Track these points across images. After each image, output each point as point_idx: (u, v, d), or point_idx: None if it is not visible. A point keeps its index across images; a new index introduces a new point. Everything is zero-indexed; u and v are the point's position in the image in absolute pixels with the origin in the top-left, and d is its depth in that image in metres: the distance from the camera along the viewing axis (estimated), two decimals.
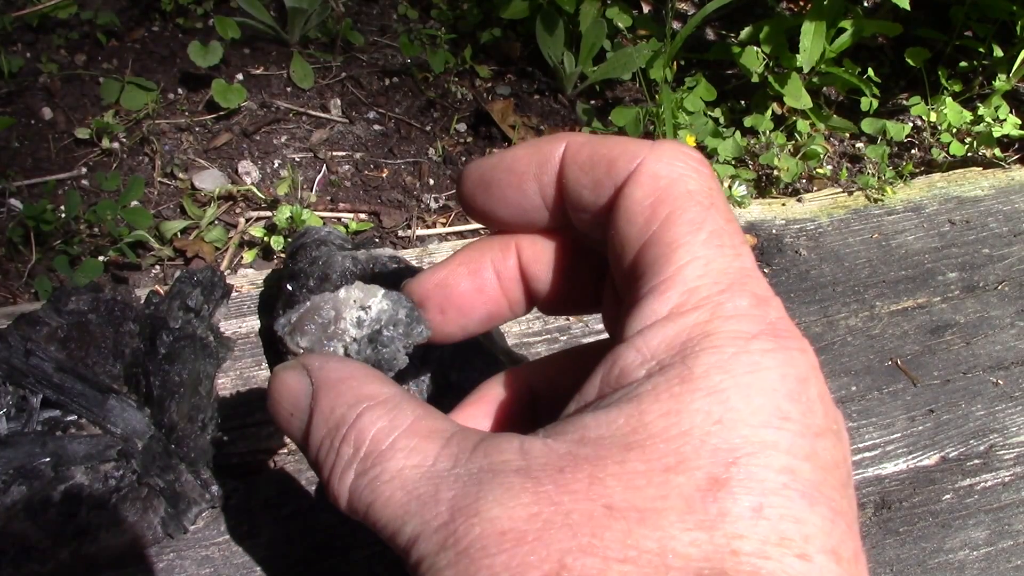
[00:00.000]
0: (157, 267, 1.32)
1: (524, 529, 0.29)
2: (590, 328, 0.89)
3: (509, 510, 0.29)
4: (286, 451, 0.75)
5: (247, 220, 1.39)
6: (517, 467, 0.31)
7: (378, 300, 0.41)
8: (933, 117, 1.61)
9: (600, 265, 0.42)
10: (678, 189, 0.35)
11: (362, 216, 1.42)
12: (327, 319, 0.41)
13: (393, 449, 0.33)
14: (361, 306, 0.41)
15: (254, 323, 0.83)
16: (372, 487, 0.33)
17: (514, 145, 0.41)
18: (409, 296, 0.43)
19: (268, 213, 1.38)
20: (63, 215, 1.28)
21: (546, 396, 0.44)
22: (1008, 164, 1.51)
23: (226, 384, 0.78)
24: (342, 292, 0.42)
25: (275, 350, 0.45)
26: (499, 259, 0.42)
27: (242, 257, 1.35)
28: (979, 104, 1.62)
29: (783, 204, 1.08)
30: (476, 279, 0.42)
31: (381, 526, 0.33)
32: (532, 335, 0.88)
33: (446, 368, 0.69)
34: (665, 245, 0.34)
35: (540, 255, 0.42)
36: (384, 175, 1.48)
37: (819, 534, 0.29)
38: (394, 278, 0.48)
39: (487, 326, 0.44)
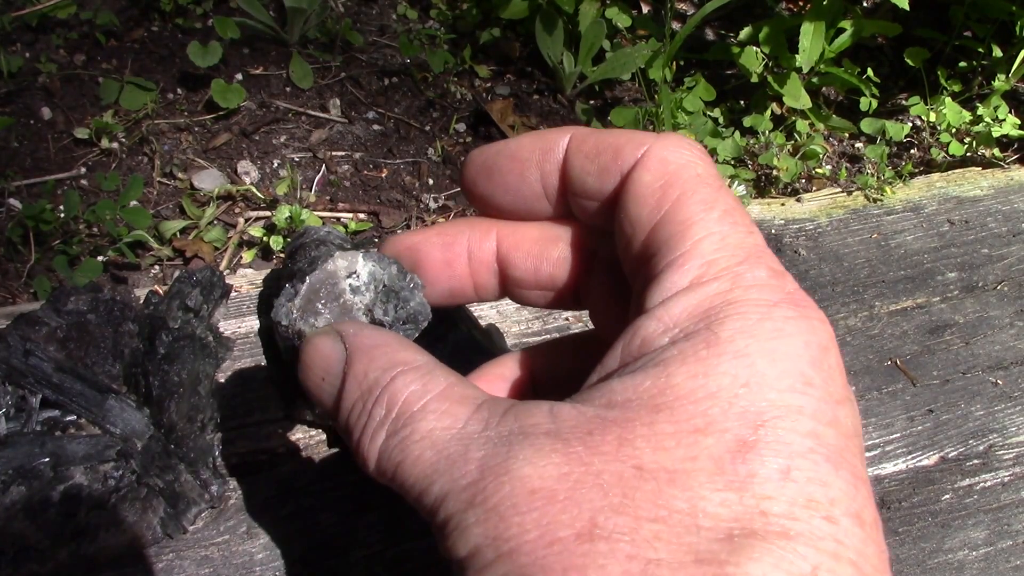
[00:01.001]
0: (156, 267, 1.32)
1: (555, 488, 0.29)
2: (590, 327, 0.89)
3: (540, 469, 0.30)
4: (285, 451, 0.75)
5: (246, 220, 1.39)
6: (547, 429, 0.31)
7: (361, 263, 0.41)
8: (932, 117, 1.61)
9: (587, 260, 0.42)
10: (688, 173, 0.36)
11: (361, 216, 1.42)
12: (337, 292, 0.41)
13: (424, 411, 0.34)
14: (348, 274, 0.41)
15: (253, 323, 0.82)
16: (402, 447, 0.33)
17: (519, 135, 0.41)
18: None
19: (267, 213, 1.38)
20: (62, 215, 1.28)
21: (545, 380, 0.45)
22: (1007, 164, 1.51)
23: (225, 384, 0.78)
24: (329, 265, 0.41)
25: (274, 349, 0.44)
26: (476, 240, 0.42)
27: (241, 257, 1.35)
28: (978, 104, 1.62)
29: (782, 204, 1.08)
30: (447, 252, 0.43)
31: (409, 486, 0.33)
32: (532, 335, 0.88)
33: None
34: (679, 223, 0.35)
35: (520, 244, 0.42)
36: (383, 175, 1.48)
37: (844, 498, 0.29)
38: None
39: (447, 301, 0.44)
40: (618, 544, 0.28)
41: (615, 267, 0.40)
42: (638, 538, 0.28)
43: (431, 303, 0.42)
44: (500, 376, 0.44)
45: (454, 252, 0.42)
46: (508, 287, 0.44)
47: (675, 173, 0.36)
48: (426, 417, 0.34)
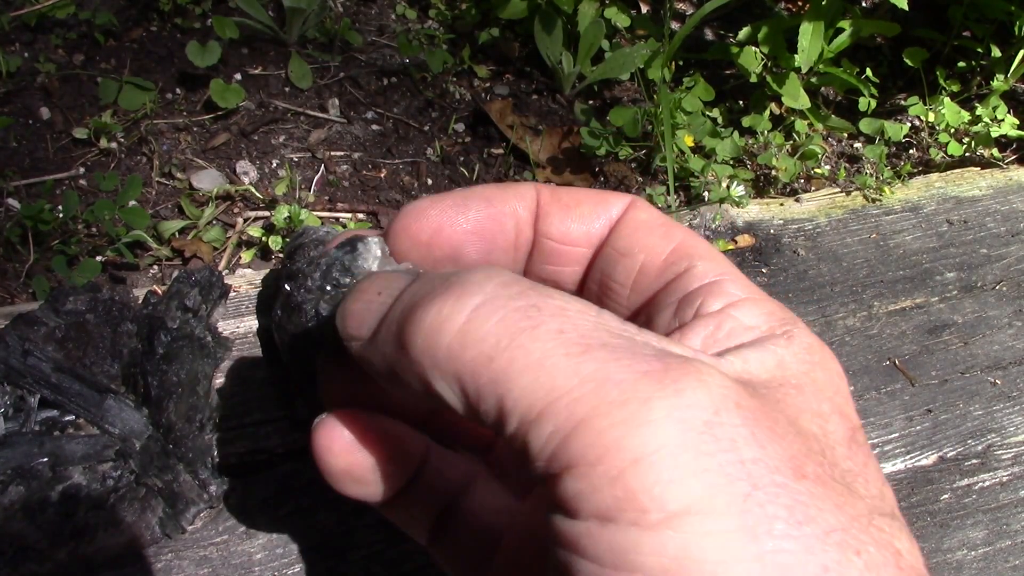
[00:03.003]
0: (155, 267, 1.32)
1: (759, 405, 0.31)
2: None
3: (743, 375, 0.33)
4: (284, 451, 0.75)
5: (245, 220, 1.38)
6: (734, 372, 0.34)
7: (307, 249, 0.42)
8: (931, 117, 1.61)
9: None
10: (669, 217, 0.42)
11: (360, 216, 1.42)
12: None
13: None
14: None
15: (252, 323, 0.82)
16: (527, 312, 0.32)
17: (476, 185, 0.43)
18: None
19: (266, 213, 1.38)
20: (61, 215, 1.27)
21: None
22: (1006, 164, 1.51)
23: (224, 384, 0.78)
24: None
25: (273, 349, 0.44)
26: None
27: (240, 257, 1.35)
28: (977, 104, 1.63)
29: (781, 204, 1.08)
30: None
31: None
32: None
33: None
34: (696, 247, 0.40)
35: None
36: (382, 175, 1.48)
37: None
38: None
39: None
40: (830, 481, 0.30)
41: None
42: (836, 474, 0.30)
43: None
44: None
45: None
46: None
47: (663, 215, 0.42)
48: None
